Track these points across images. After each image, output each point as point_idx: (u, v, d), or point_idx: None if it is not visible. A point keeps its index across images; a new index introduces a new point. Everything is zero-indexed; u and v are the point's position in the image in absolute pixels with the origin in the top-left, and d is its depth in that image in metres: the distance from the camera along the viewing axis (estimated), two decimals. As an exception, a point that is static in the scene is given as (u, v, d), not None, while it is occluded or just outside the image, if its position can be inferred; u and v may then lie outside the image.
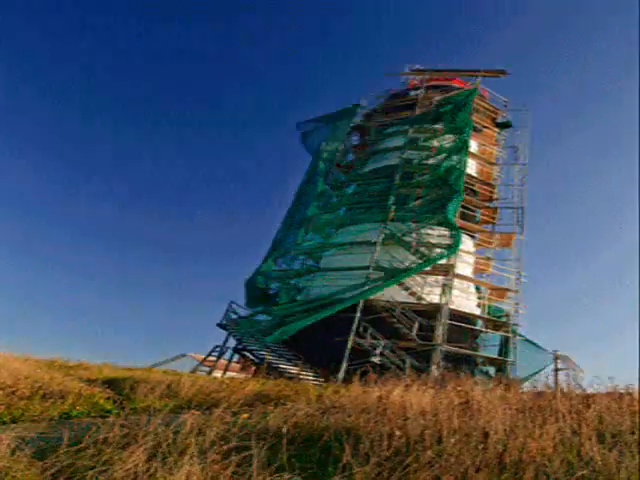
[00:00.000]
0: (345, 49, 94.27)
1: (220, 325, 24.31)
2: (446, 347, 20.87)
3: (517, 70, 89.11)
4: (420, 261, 23.14)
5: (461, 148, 26.95)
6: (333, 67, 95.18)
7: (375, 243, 24.02)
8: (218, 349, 23.61)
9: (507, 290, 25.08)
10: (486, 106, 31.85)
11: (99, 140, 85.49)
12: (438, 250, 23.92)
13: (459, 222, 24.76)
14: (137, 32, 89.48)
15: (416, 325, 21.27)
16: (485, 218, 28.10)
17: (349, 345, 20.78)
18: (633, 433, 3.92)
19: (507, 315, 24.86)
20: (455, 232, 23.36)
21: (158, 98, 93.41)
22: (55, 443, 3.78)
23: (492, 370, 23.93)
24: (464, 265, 25.44)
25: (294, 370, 20.38)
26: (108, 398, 7.01)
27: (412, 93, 32.28)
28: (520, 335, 24.06)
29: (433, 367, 19.32)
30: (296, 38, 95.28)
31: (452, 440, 3.52)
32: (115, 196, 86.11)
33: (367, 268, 23.31)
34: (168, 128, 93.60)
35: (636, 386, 6.48)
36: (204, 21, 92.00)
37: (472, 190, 28.23)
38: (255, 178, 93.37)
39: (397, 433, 3.30)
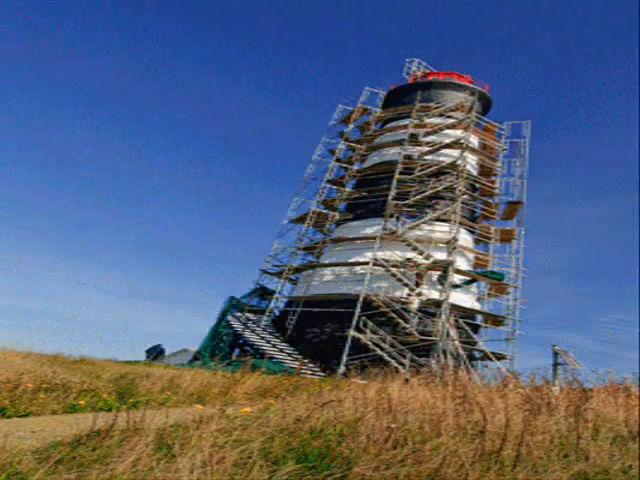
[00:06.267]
0: (343, 45, 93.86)
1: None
2: (446, 341, 20.96)
3: (520, 66, 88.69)
4: (421, 257, 23.22)
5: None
6: (332, 63, 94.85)
7: (375, 239, 24.06)
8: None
9: (507, 285, 25.12)
10: (488, 101, 31.80)
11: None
12: (439, 245, 23.99)
13: (460, 219, 24.77)
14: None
15: (415, 320, 21.36)
16: (485, 213, 28.11)
17: (349, 339, 20.88)
18: (627, 426, 3.98)
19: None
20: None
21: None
22: (57, 436, 3.84)
23: (492, 364, 24.05)
24: (464, 260, 25.49)
25: (294, 364, 20.51)
26: (110, 393, 7.07)
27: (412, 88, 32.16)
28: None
29: (433, 361, 19.41)
30: (293, 36, 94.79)
31: (450, 434, 3.57)
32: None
33: (367, 263, 23.39)
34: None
35: (632, 379, 6.55)
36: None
37: (472, 186, 28.24)
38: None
39: (393, 426, 3.34)
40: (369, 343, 20.70)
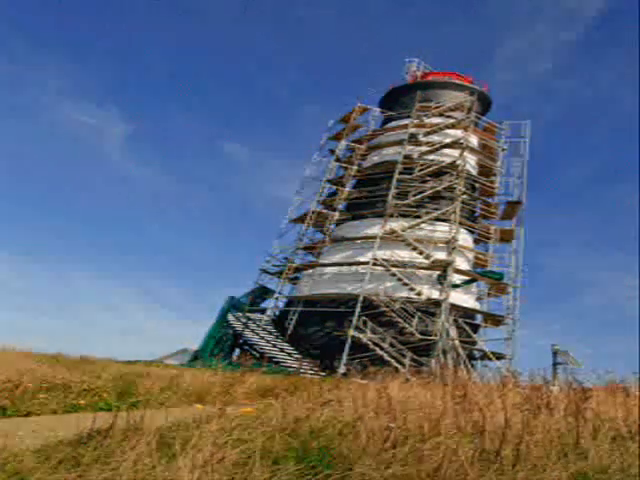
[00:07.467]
0: (343, 45, 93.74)
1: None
2: (446, 341, 20.99)
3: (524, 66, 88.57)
4: (421, 257, 23.26)
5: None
6: (331, 61, 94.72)
7: (375, 238, 24.08)
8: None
9: (507, 285, 25.13)
10: (487, 101, 31.79)
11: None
12: (439, 245, 24.03)
13: (459, 219, 24.78)
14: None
15: (415, 320, 21.37)
16: (485, 213, 28.11)
17: (349, 339, 20.90)
18: (626, 425, 3.99)
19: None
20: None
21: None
22: (58, 436, 3.85)
23: (492, 364, 24.08)
24: (463, 260, 25.51)
25: (294, 364, 20.55)
26: (110, 392, 7.08)
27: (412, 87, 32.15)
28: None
29: (432, 361, 19.44)
30: (293, 34, 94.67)
31: (450, 433, 3.58)
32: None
33: (367, 263, 23.41)
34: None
35: (631, 379, 6.57)
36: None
37: (472, 185, 28.25)
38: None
39: (392, 426, 3.36)
40: (369, 343, 20.72)
